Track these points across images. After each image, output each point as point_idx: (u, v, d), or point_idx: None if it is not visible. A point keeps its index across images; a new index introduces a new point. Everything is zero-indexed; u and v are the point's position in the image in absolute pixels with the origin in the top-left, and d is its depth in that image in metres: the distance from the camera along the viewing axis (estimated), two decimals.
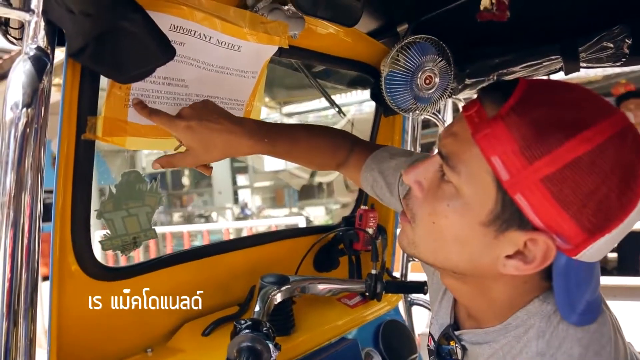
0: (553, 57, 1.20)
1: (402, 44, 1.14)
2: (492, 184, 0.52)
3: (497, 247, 0.54)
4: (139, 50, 0.67)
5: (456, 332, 0.67)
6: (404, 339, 1.36)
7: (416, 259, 1.60)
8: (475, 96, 0.58)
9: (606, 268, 4.97)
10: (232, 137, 0.79)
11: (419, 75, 1.15)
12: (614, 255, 5.04)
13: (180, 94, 0.88)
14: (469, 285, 0.62)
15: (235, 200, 9.65)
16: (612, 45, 1.11)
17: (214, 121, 0.78)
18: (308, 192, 9.22)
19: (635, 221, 0.51)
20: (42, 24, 0.61)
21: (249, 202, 9.71)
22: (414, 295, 1.56)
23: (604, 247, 0.51)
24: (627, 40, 1.09)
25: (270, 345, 0.78)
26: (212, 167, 0.87)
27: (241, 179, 10.25)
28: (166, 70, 0.81)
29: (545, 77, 1.23)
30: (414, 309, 1.59)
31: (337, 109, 1.35)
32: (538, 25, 1.20)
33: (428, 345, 0.75)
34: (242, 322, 0.81)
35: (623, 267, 4.14)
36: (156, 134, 0.87)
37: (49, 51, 0.61)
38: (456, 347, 0.67)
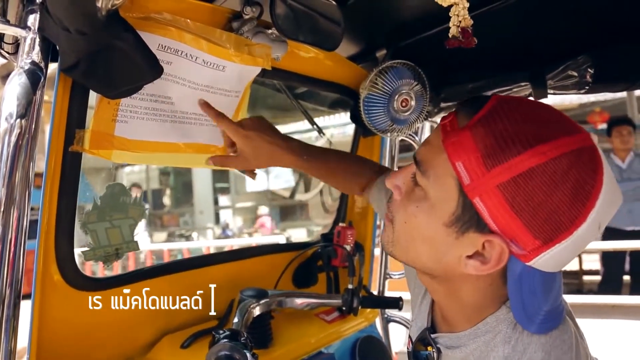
0: (522, 84, 1.27)
1: (381, 68, 1.19)
2: (455, 188, 0.57)
3: (458, 247, 0.59)
4: (129, 68, 0.71)
5: (432, 335, 0.71)
6: (380, 355, 1.38)
7: (394, 275, 1.63)
8: None
9: (582, 290, 5.06)
10: (279, 150, 0.94)
11: (396, 98, 1.21)
12: (591, 277, 5.14)
13: (166, 110, 0.91)
14: (441, 285, 0.66)
15: (217, 221, 9.59)
16: (576, 74, 1.18)
17: (268, 135, 0.94)
18: (290, 213, 9.22)
19: (589, 237, 0.55)
20: (38, 40, 0.64)
21: (231, 222, 9.65)
22: (391, 312, 1.59)
23: (557, 257, 0.55)
24: (590, 70, 1.16)
25: (248, 355, 0.80)
26: (256, 173, 1.02)
27: (223, 200, 10.20)
28: (153, 87, 0.84)
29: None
30: (392, 327, 1.62)
31: (316, 128, 1.40)
32: (509, 53, 1.27)
33: (407, 348, 0.78)
34: (221, 332, 0.83)
35: (607, 287, 4.24)
36: (142, 149, 0.90)
37: (42, 66, 0.64)
38: (433, 352, 0.70)
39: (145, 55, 0.71)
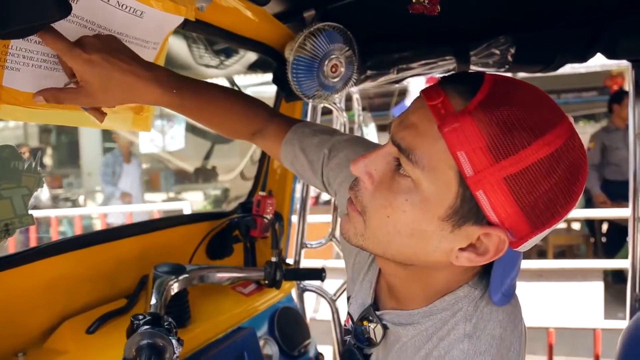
0: (447, 58, 1.28)
1: (311, 29, 1.12)
2: (455, 179, 0.52)
3: (452, 240, 0.56)
4: (27, 2, 0.57)
5: (377, 312, 0.68)
6: (298, 326, 1.37)
7: (311, 245, 1.61)
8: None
9: None
10: (138, 81, 0.70)
11: (326, 63, 1.15)
12: None
13: None
14: (410, 271, 0.63)
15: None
16: (498, 52, 1.21)
17: (121, 60, 0.69)
18: (185, 177, 8.87)
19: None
20: None
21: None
22: (306, 282, 1.57)
23: (538, 239, 0.56)
24: (511, 50, 1.20)
25: (174, 341, 0.72)
26: (105, 114, 0.76)
27: None
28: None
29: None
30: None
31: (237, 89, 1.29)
32: (435, 27, 1.26)
33: (345, 325, 0.76)
34: (140, 317, 0.73)
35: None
36: (37, 104, 0.74)
37: None
38: (369, 327, 0.68)
39: None
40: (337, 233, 1.61)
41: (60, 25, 0.68)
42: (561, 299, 2.38)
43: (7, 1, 0.55)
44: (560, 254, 4.90)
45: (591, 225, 5.06)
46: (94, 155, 7.99)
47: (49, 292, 0.89)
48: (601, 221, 4.86)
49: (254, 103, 0.93)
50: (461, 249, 0.56)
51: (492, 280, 0.59)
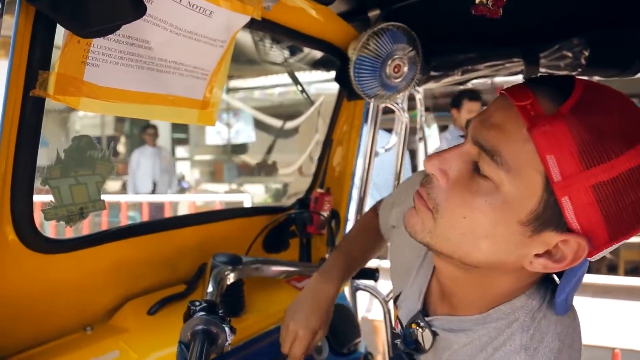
0: (515, 60, 1.23)
1: (375, 29, 1.12)
2: (540, 184, 0.50)
3: (528, 246, 0.54)
4: (108, 3, 0.61)
5: (427, 318, 0.67)
6: (349, 323, 1.37)
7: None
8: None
9: None
10: (331, 301, 0.97)
11: (389, 63, 1.14)
12: None
13: (143, 56, 0.81)
14: (471, 275, 0.60)
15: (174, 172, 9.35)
16: (571, 54, 1.15)
17: (306, 318, 0.93)
18: (248, 169, 9.10)
19: None
20: None
21: (188, 174, 9.44)
22: (359, 281, 1.57)
23: (611, 249, 0.53)
24: (584, 52, 1.14)
25: (226, 329, 0.75)
26: None
27: (180, 151, 9.92)
28: (131, 29, 0.74)
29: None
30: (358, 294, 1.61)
31: (301, 90, 1.31)
32: (503, 27, 1.22)
33: (394, 329, 0.75)
34: (197, 303, 0.77)
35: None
36: (114, 97, 0.80)
37: None
38: (417, 330, 0.67)
39: None
40: None
41: (138, 25, 0.72)
42: (630, 319, 2.22)
43: (89, 3, 0.59)
44: (633, 271, 4.57)
45: None
46: (164, 145, 8.39)
47: (115, 273, 0.95)
48: None
49: (371, 225, 1.08)
50: (537, 255, 0.54)
51: (560, 289, 0.57)
